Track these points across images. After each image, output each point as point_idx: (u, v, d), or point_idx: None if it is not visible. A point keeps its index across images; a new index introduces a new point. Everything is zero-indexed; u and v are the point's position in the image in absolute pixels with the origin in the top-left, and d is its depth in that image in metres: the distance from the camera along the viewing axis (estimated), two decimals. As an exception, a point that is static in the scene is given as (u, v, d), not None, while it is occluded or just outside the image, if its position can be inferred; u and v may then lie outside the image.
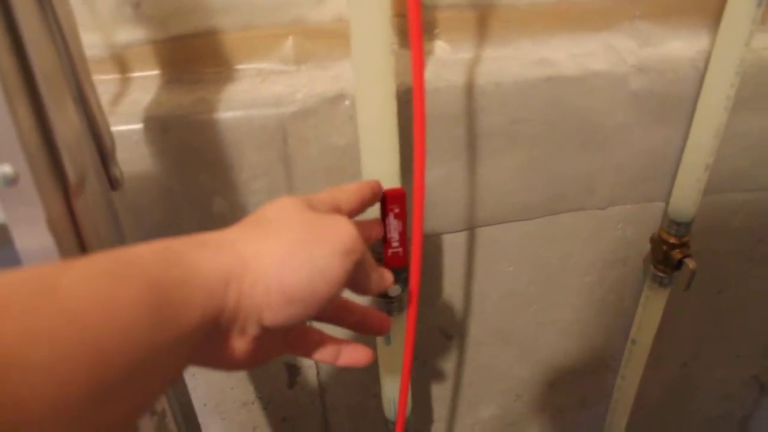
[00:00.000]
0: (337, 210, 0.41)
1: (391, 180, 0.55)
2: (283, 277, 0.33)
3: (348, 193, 0.42)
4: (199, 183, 0.58)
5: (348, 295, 0.41)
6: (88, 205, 0.38)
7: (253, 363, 0.37)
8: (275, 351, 0.39)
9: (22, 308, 0.23)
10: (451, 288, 0.74)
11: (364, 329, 0.45)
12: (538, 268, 0.76)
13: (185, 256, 0.30)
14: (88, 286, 0.26)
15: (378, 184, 0.46)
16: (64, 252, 0.35)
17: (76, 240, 0.36)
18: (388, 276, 0.42)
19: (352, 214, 0.43)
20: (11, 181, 0.31)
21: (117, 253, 0.29)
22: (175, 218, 0.60)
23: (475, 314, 0.77)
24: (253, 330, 0.34)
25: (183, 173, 0.58)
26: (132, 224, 0.49)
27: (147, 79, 0.59)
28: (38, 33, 0.37)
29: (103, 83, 0.58)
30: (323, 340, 0.43)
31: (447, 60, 0.62)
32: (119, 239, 0.44)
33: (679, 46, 0.66)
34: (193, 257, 0.31)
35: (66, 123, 0.38)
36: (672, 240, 0.73)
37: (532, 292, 0.78)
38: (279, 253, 0.33)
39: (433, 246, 0.70)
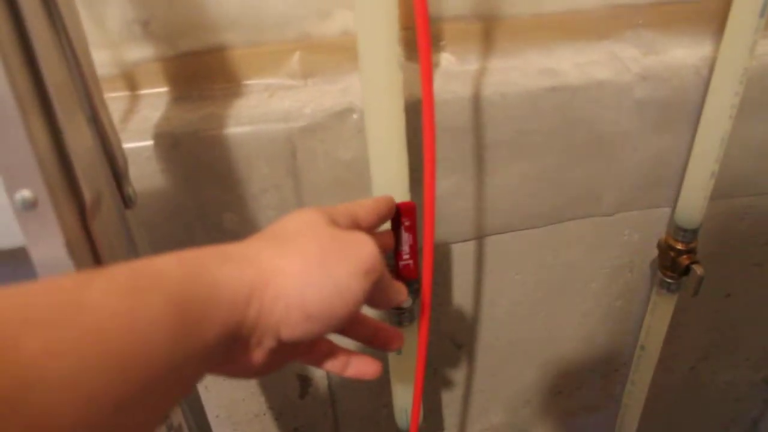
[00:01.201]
0: (356, 225, 0.41)
1: (400, 192, 0.55)
2: (303, 295, 0.33)
3: (366, 208, 0.42)
4: (209, 198, 0.59)
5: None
6: (103, 224, 0.38)
7: (264, 372, 0.37)
8: (285, 360, 0.40)
9: (46, 324, 0.23)
10: (461, 297, 0.75)
11: (376, 344, 0.45)
12: (546, 275, 0.76)
13: (209, 270, 0.31)
14: (112, 302, 0.26)
15: (392, 200, 0.46)
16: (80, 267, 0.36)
17: (92, 260, 0.37)
18: (402, 290, 0.42)
19: (370, 229, 0.43)
20: (30, 205, 0.32)
21: (141, 266, 0.29)
22: (186, 233, 0.60)
23: (485, 322, 0.78)
24: (269, 343, 0.34)
25: (193, 188, 0.58)
26: (144, 240, 0.50)
27: (156, 96, 0.59)
28: (51, 54, 0.38)
29: (113, 101, 0.59)
30: (333, 350, 0.43)
31: (453, 72, 0.62)
32: (134, 257, 0.45)
33: (683, 53, 0.66)
34: (217, 272, 0.31)
35: (81, 144, 0.39)
36: (679, 246, 0.73)
37: (541, 299, 0.78)
38: (300, 271, 0.33)
39: (442, 256, 0.70)
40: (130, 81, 0.59)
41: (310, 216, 0.37)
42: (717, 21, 0.66)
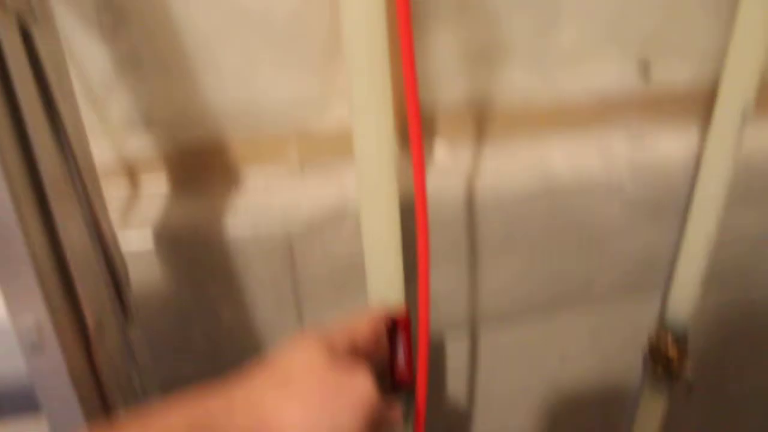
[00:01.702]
0: (354, 348, 0.43)
1: (396, 288, 0.56)
2: None
3: (363, 331, 0.44)
4: (207, 295, 0.59)
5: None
6: (107, 351, 0.38)
7: None
8: None
9: None
10: (455, 389, 0.75)
11: None
12: (539, 366, 0.77)
13: (214, 424, 0.32)
14: None
15: (387, 317, 0.47)
16: (85, 401, 0.36)
17: (95, 388, 0.37)
18: (397, 419, 0.43)
19: (368, 348, 0.44)
20: (37, 347, 0.32)
21: (149, 423, 0.30)
22: (184, 330, 0.60)
23: (479, 414, 0.78)
24: None
25: (191, 286, 0.59)
26: (142, 339, 0.50)
27: (156, 188, 0.59)
28: (51, 153, 0.39)
29: (112, 191, 0.59)
30: None
31: (446, 165, 0.63)
32: (135, 370, 0.45)
33: (672, 146, 0.67)
34: (221, 425, 0.32)
35: (86, 268, 0.39)
36: (670, 353, 0.73)
37: (534, 389, 0.79)
38: (301, 418, 0.35)
39: (435, 349, 0.70)
40: (130, 173, 0.60)
41: (310, 354, 0.39)
42: (704, 113, 0.67)
